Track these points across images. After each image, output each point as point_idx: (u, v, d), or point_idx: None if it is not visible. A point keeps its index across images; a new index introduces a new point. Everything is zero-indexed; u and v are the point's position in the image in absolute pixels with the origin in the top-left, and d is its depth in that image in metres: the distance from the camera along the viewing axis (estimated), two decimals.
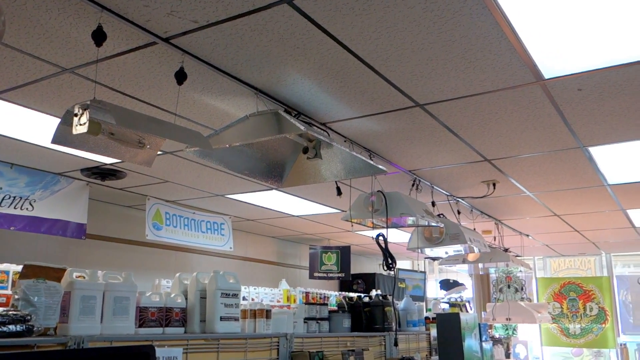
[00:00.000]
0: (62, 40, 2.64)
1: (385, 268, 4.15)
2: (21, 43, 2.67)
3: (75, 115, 2.21)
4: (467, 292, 11.77)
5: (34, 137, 4.05)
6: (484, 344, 4.61)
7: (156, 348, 2.59)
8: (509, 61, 2.80)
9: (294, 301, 7.36)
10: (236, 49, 2.71)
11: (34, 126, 3.83)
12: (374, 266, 11.08)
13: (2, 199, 4.63)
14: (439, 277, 13.39)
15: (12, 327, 2.08)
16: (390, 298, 4.61)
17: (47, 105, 3.45)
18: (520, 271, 10.66)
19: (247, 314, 3.44)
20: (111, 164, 4.73)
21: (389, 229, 4.41)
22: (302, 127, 2.89)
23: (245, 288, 6.75)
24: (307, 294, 7.58)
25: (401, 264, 12.15)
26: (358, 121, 3.66)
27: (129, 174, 5.02)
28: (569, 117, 3.56)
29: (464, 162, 4.55)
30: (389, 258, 4.15)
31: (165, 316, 2.99)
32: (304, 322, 4.07)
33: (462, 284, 11.80)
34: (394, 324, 4.51)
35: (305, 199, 5.97)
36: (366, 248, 9.75)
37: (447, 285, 11.82)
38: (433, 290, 13.18)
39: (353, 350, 3.49)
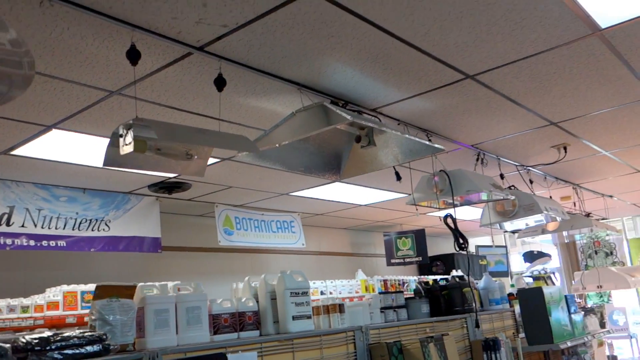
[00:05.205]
0: (103, 64, 2.70)
1: (457, 249, 4.02)
2: (66, 72, 2.75)
3: (121, 135, 2.25)
4: (554, 262, 11.28)
5: (97, 161, 4.20)
6: (573, 316, 4.36)
7: (230, 354, 2.61)
8: (558, 16, 2.60)
9: (373, 290, 7.29)
10: (271, 47, 2.67)
11: (97, 151, 3.96)
12: (452, 246, 10.81)
13: (80, 223, 4.85)
14: (522, 249, 12.91)
15: (89, 348, 2.14)
16: (467, 278, 4.45)
17: (104, 129, 3.56)
18: (609, 234, 10.08)
19: (321, 310, 3.41)
20: (175, 177, 4.85)
21: (458, 207, 4.27)
22: (348, 117, 2.82)
23: (322, 282, 6.76)
24: (385, 281, 7.50)
25: (480, 240, 11.80)
26: (408, 102, 3.54)
27: (193, 184, 5.13)
28: (637, 67, 3.29)
29: (528, 129, 4.32)
30: (460, 238, 4.02)
31: (239, 321, 3.01)
32: (381, 312, 4.00)
33: (547, 255, 11.30)
34: (474, 304, 4.35)
35: (369, 187, 5.89)
36: (441, 229, 9.51)
37: (531, 257, 11.35)
38: (517, 264, 12.72)
39: (432, 337, 3.40)
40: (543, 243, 12.39)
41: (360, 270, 7.63)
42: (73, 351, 2.09)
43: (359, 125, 3.44)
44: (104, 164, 2.37)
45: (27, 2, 2.14)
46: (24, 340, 2.02)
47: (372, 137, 3.54)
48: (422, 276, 8.72)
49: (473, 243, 11.56)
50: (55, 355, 2.05)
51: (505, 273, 11.20)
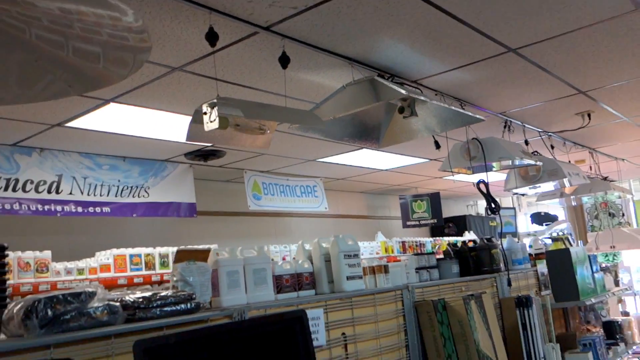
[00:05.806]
0: (173, 43, 2.85)
1: (490, 212, 4.24)
2: None
3: (205, 113, 2.43)
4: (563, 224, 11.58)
5: (141, 131, 4.37)
6: (595, 274, 4.63)
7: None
8: None
9: (392, 251, 7.58)
10: (332, 26, 2.82)
11: (141, 122, 4.13)
12: (463, 208, 11.10)
13: (122, 190, 5.06)
14: (528, 211, 13.20)
15: (183, 306, 2.37)
16: (494, 240, 4.70)
17: (159, 102, 3.72)
18: (619, 196, 10.33)
19: (367, 270, 3.65)
20: (211, 145, 5.02)
21: (481, 173, 4.46)
22: (403, 92, 3.00)
23: None
24: (403, 243, 7.78)
25: None
26: (449, 74, 3.70)
27: (228, 152, 5.31)
28: None
29: (556, 97, 4.49)
30: (492, 203, 4.24)
31: (297, 281, 3.25)
32: (415, 272, 4.26)
33: (555, 216, 11.59)
34: (502, 264, 4.60)
35: (392, 153, 6.08)
36: (454, 192, 9.77)
37: (539, 218, 11.64)
38: (523, 225, 13.03)
39: (472, 295, 3.65)
40: (550, 205, 12.67)
41: (380, 232, 7.90)
42: (171, 308, 2.32)
43: (402, 96, 3.62)
44: (187, 139, 2.55)
45: None
46: (130, 299, 2.24)
47: (414, 108, 3.72)
48: (437, 237, 9.01)
49: (482, 205, 11.84)
50: (158, 312, 2.28)
51: (514, 234, 11.51)
